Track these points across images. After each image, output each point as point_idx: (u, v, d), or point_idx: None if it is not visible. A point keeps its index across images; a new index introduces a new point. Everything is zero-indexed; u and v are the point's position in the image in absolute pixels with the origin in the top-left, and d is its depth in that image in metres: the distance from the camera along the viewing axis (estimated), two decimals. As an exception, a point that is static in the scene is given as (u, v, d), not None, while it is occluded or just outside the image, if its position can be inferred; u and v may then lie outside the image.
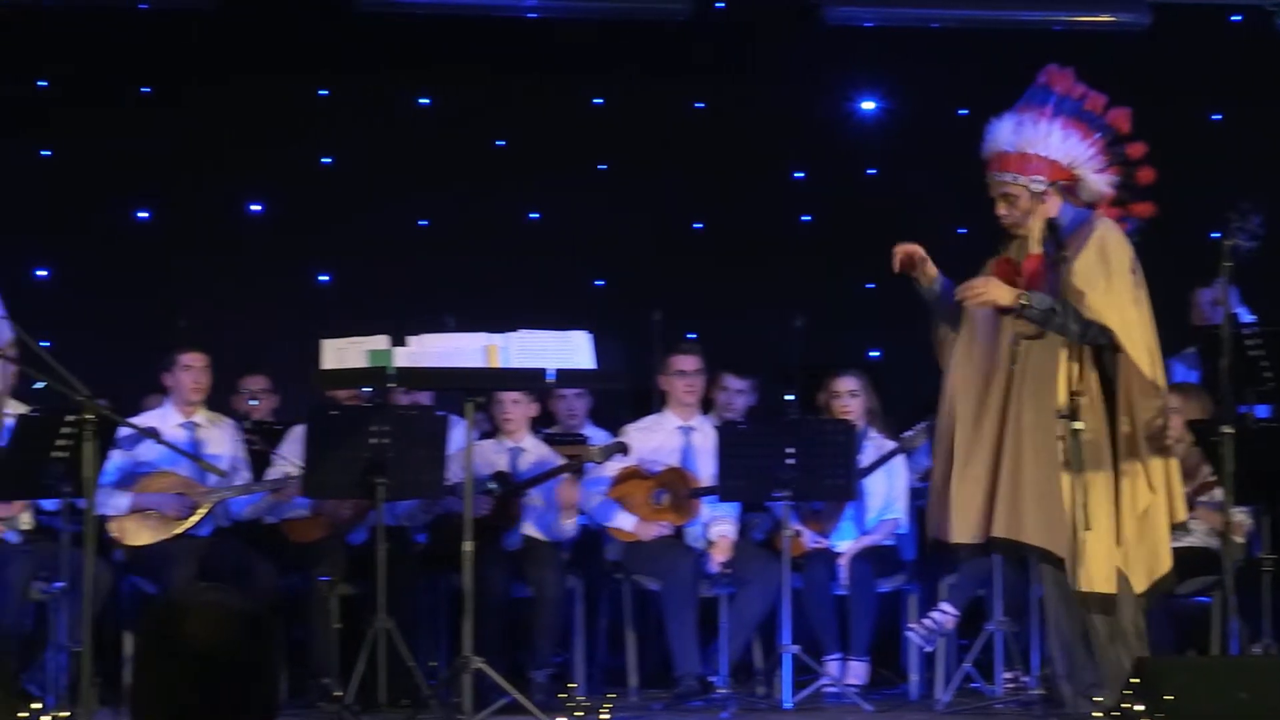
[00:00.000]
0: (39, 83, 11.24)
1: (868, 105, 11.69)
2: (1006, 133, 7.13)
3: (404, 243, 11.39)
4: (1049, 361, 6.97)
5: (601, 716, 8.12)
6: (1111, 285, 6.90)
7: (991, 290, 7.00)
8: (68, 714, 7.41)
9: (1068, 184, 7.14)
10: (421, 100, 11.68)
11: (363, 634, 8.01)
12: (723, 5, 11.46)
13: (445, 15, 11.29)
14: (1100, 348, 6.92)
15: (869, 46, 11.52)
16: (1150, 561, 7.06)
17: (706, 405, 9.58)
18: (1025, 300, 6.93)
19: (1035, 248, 7.10)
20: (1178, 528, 7.33)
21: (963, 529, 7.12)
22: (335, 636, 8.64)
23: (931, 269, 7.21)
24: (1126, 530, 6.98)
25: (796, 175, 11.76)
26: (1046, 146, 7.08)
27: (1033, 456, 6.97)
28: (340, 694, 8.07)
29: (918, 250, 7.19)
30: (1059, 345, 6.94)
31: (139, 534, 8.64)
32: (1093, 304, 6.88)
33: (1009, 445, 7.02)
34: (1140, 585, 7.00)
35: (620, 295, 11.31)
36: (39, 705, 7.83)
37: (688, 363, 9.31)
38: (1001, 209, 7.15)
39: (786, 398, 10.80)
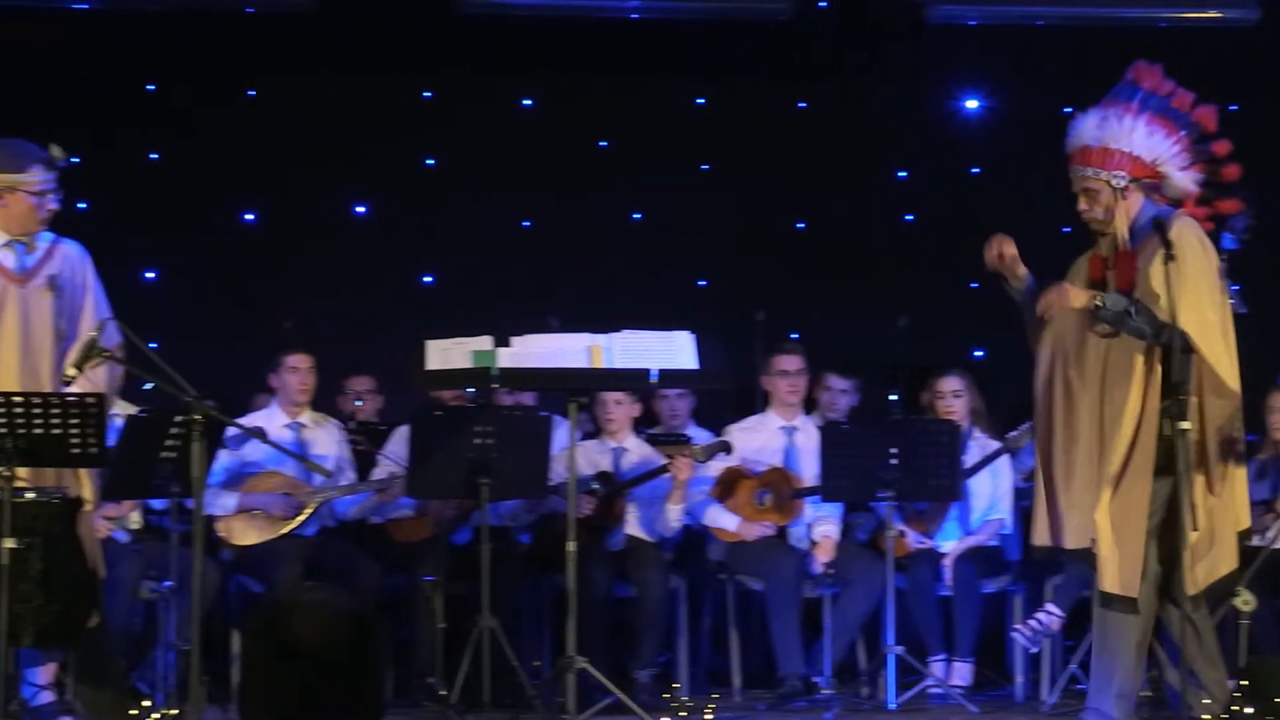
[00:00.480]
0: (147, 86, 11.35)
1: (971, 104, 11.63)
2: (1091, 127, 7.06)
3: (507, 243, 11.42)
4: (1125, 361, 6.91)
5: (705, 717, 8.13)
6: (1186, 286, 6.83)
7: (1066, 295, 6.95)
8: (176, 712, 7.47)
9: (1152, 181, 7.06)
10: (524, 101, 11.70)
11: (467, 634, 8.04)
12: (825, 5, 11.42)
13: (548, 15, 11.31)
14: (1169, 349, 6.83)
15: (972, 45, 11.45)
16: (1210, 564, 6.99)
17: (809, 405, 9.56)
18: (1100, 301, 6.87)
19: (1123, 245, 7.03)
20: (1244, 534, 7.22)
21: (1076, 534, 7.06)
22: (439, 636, 8.66)
23: (1021, 270, 7.15)
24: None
25: (899, 175, 11.71)
26: (1130, 142, 7.00)
27: (1106, 456, 6.93)
28: (444, 693, 8.10)
29: (1010, 249, 7.13)
30: (1134, 346, 6.88)
31: (246, 533, 8.71)
32: (1167, 305, 6.82)
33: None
34: (1194, 587, 6.91)
35: (723, 295, 11.30)
36: (148, 703, 7.91)
37: (790, 363, 9.30)
38: (1083, 204, 7.08)
39: (890, 398, 10.76)
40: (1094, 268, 7.09)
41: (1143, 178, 7.02)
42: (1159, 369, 6.87)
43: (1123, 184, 6.99)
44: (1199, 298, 6.85)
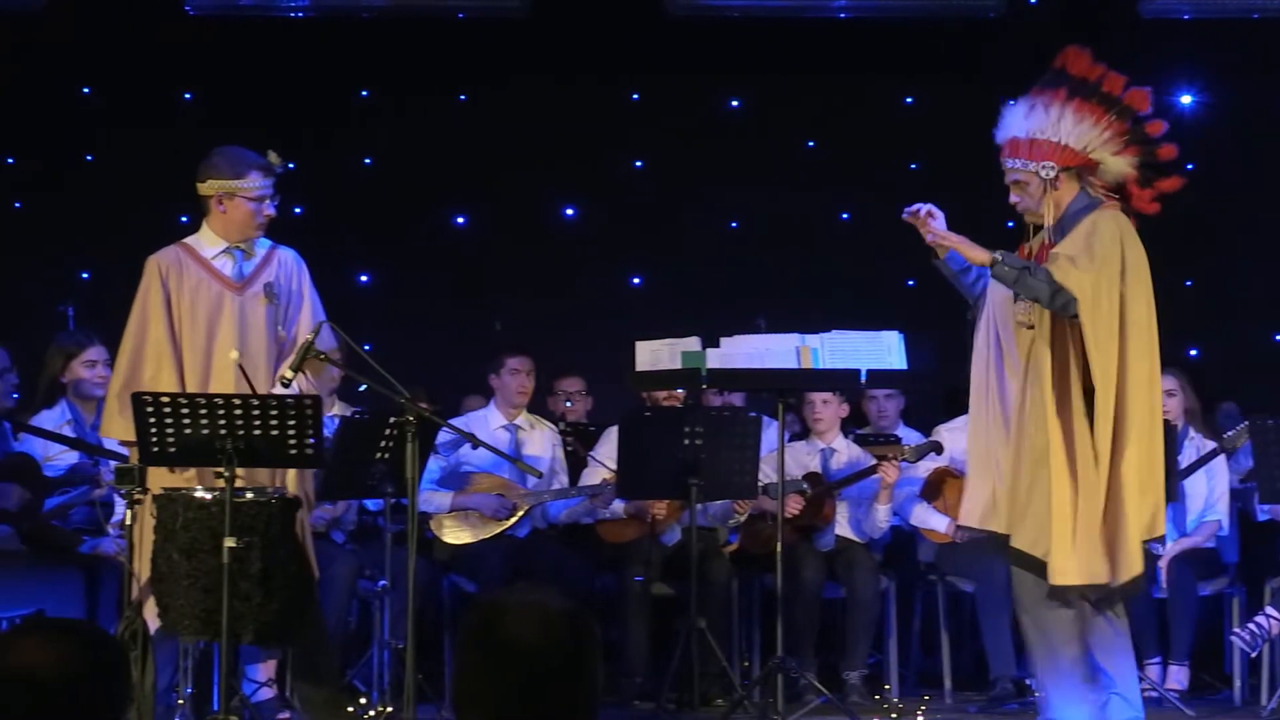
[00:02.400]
0: (361, 92, 11.52)
1: (1185, 99, 11.45)
2: (1018, 118, 6.91)
3: (715, 244, 11.45)
4: (1045, 356, 6.76)
5: (916, 718, 8.09)
6: (1092, 263, 6.67)
7: (964, 246, 6.83)
8: (390, 709, 7.57)
9: (1086, 169, 6.88)
10: (732, 101, 11.72)
11: (676, 634, 8.07)
12: (1035, 1, 11.31)
13: (755, 16, 11.32)
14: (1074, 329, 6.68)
15: (1186, 39, 11.28)
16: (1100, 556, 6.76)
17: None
18: (999, 256, 6.72)
19: (1048, 236, 6.88)
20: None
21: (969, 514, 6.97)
22: (649, 636, 8.71)
23: (944, 241, 6.95)
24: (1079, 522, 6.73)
25: (1112, 171, 11.56)
26: (1057, 131, 6.82)
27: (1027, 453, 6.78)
28: (655, 693, 8.13)
29: (922, 212, 6.97)
30: (1055, 341, 6.73)
31: (459, 533, 8.81)
32: (1064, 266, 6.66)
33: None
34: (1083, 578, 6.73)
35: (932, 295, 11.19)
36: (364, 700, 8.03)
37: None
38: (1013, 196, 6.95)
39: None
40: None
41: (1074, 166, 6.84)
42: (1076, 367, 6.72)
43: (1051, 174, 6.83)
44: (1093, 273, 6.68)
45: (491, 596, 3.04)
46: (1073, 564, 6.69)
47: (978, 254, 6.84)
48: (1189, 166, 11.47)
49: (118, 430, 7.05)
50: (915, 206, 7.01)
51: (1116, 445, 6.72)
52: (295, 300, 7.27)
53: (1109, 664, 6.85)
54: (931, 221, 6.97)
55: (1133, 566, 6.73)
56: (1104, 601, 6.81)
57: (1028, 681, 8.59)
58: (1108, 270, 6.71)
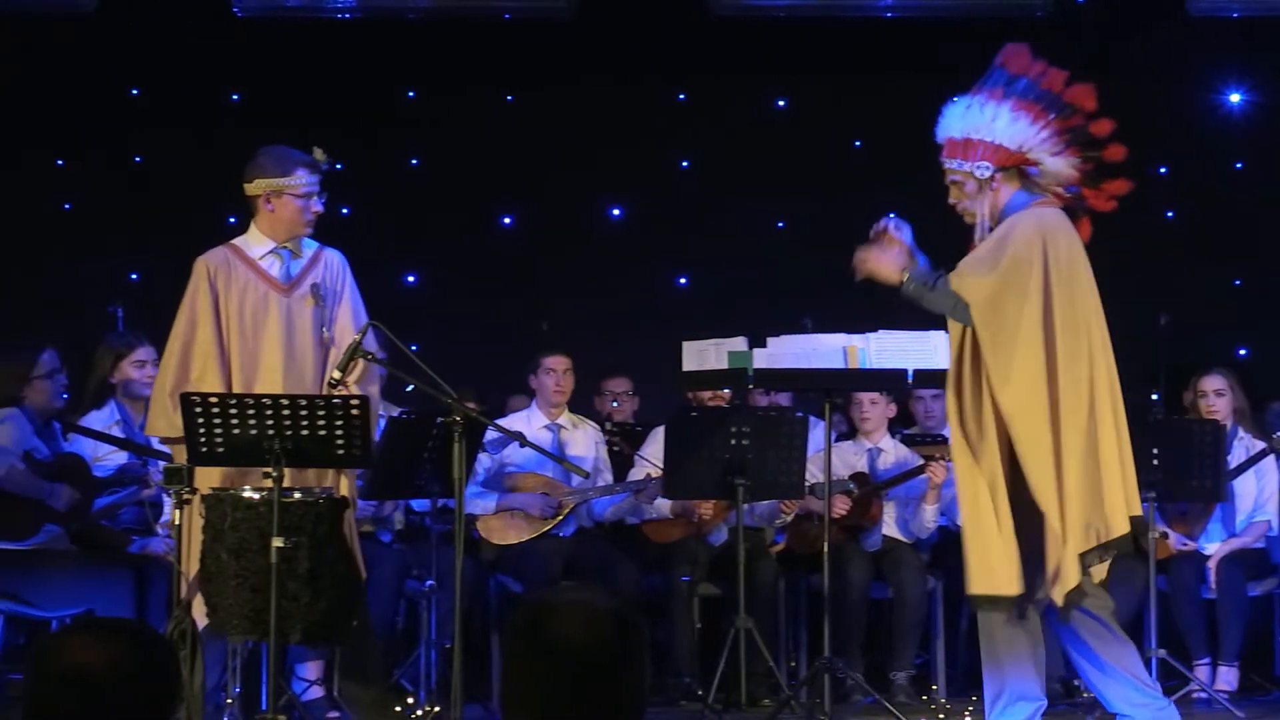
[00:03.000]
0: (407, 93, 11.55)
1: (1234, 98, 11.41)
2: (955, 118, 6.81)
3: (762, 244, 11.44)
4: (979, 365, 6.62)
5: (963, 719, 8.07)
6: (994, 267, 6.53)
7: (877, 264, 6.72)
8: (438, 709, 7.59)
9: (1026, 168, 6.77)
10: (779, 101, 11.71)
11: (723, 634, 8.07)
12: (1084, 1, 11.28)
13: (801, 16, 11.31)
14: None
15: (1235, 37, 11.24)
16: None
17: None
18: (907, 275, 6.64)
19: (980, 237, 6.74)
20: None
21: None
22: (696, 636, 8.71)
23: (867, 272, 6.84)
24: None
25: (1160, 170, 11.52)
26: (992, 131, 6.68)
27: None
28: (701, 693, 8.14)
29: (890, 228, 6.85)
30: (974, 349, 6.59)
31: (505, 533, 8.82)
32: (960, 273, 6.57)
33: None
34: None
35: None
36: (411, 700, 8.04)
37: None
38: (951, 196, 6.84)
39: (1151, 397, 10.59)
40: None
41: (1011, 166, 6.72)
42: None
43: (986, 174, 6.70)
44: (993, 278, 6.54)
45: (539, 595, 3.04)
46: (979, 574, 6.57)
47: (892, 275, 6.72)
48: (1238, 165, 11.48)
49: (162, 428, 7.07)
50: (882, 223, 6.91)
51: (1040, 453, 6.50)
52: (338, 302, 7.28)
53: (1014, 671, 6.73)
54: (899, 235, 6.84)
55: (1065, 580, 6.51)
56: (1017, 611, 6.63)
57: (1075, 682, 8.57)
58: (1016, 272, 6.55)
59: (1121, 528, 6.51)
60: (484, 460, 8.74)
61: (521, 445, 8.15)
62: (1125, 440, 6.59)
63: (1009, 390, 6.49)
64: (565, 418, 9.11)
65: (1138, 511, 6.64)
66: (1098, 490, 6.50)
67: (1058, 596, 6.50)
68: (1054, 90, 6.79)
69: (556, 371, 9.08)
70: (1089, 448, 6.52)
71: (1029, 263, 6.56)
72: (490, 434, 8.13)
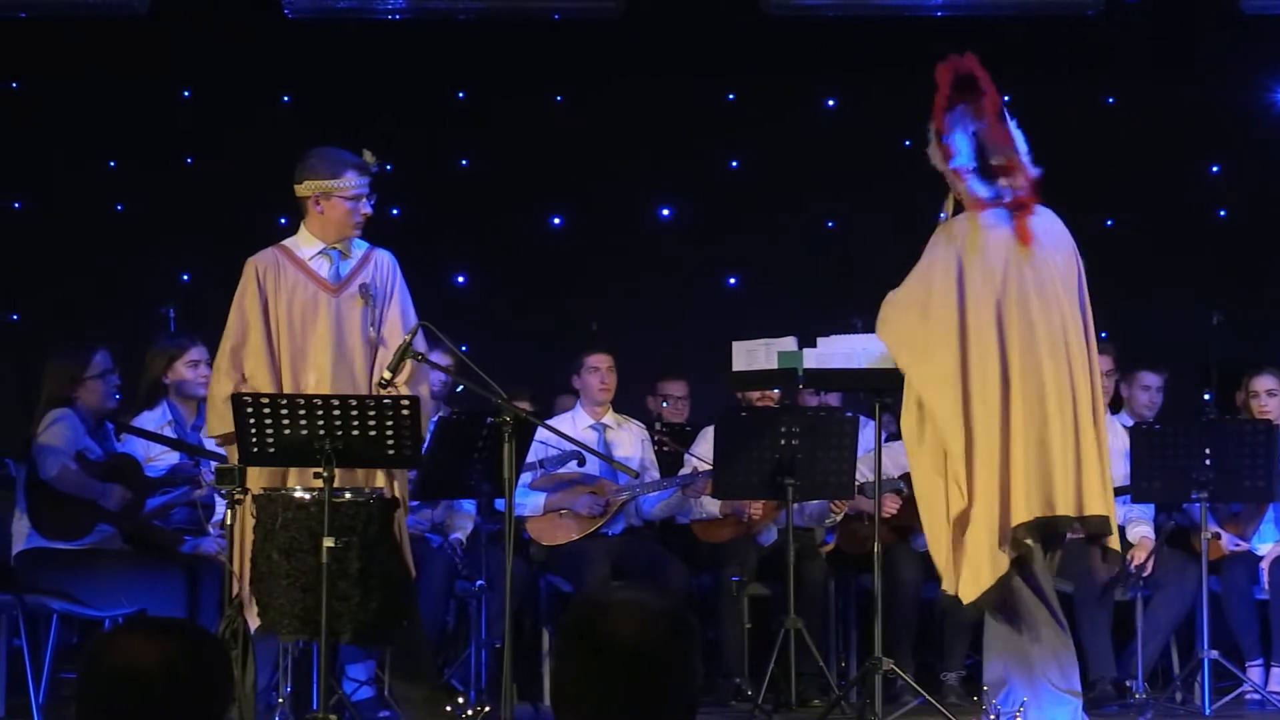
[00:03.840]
0: (457, 94, 11.56)
1: (1288, 96, 11.34)
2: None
3: (811, 244, 11.42)
4: None
5: (1014, 720, 8.03)
6: (904, 282, 6.97)
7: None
8: (488, 708, 7.60)
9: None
10: (828, 101, 11.69)
11: (773, 634, 8.06)
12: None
13: (851, 15, 11.28)
14: None
15: (1289, 34, 11.18)
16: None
17: (1115, 404, 9.40)
18: None
19: None
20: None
21: None
22: (746, 636, 8.71)
23: None
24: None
25: (1212, 169, 11.47)
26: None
27: None
28: (751, 693, 8.13)
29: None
30: None
31: (555, 533, 8.83)
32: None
33: None
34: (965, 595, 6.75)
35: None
36: (462, 699, 8.06)
37: (1100, 363, 9.14)
38: None
39: (1204, 397, 10.55)
40: None
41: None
42: None
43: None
44: (900, 290, 6.94)
45: (592, 594, 3.04)
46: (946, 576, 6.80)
47: None
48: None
49: (219, 429, 7.10)
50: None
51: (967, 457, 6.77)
52: (387, 301, 7.29)
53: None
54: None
55: (979, 582, 6.71)
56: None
57: (1127, 683, 8.54)
58: (919, 282, 6.96)
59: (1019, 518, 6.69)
60: (534, 469, 8.74)
61: (580, 465, 8.24)
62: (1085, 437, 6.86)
63: (928, 390, 6.89)
64: (610, 417, 9.12)
65: (1068, 511, 6.75)
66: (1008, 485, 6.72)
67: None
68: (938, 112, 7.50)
69: (600, 369, 9.09)
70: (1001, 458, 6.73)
71: (930, 272, 6.99)
72: (549, 451, 8.19)
